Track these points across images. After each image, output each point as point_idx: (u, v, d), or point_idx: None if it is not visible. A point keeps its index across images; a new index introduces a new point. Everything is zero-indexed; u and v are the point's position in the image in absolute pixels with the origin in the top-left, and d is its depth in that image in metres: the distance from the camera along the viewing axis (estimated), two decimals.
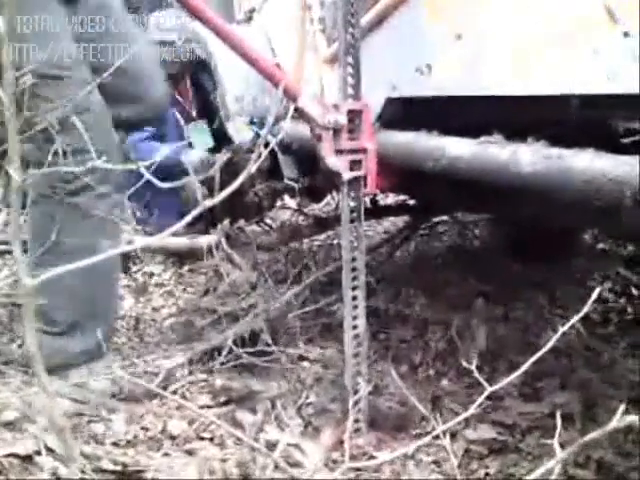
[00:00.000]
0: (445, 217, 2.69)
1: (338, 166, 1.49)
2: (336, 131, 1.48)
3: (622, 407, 0.77)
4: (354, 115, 1.49)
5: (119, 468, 1.27)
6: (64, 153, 1.42)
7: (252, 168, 0.81)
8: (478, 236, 2.60)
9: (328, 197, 2.45)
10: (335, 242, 2.62)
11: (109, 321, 1.68)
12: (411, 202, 2.38)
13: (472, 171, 1.26)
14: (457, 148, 1.28)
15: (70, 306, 1.58)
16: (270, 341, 1.73)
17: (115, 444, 1.42)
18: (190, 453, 1.43)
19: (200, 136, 2.78)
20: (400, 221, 2.82)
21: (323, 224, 2.27)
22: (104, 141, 1.54)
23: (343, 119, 1.47)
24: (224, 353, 1.70)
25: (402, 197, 2.54)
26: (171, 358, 1.72)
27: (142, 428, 1.51)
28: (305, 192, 2.28)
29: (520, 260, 2.40)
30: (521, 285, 2.23)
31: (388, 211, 2.45)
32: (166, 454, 1.43)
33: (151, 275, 2.60)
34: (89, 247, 1.51)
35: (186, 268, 2.55)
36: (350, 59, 1.48)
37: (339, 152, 1.49)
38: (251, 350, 1.73)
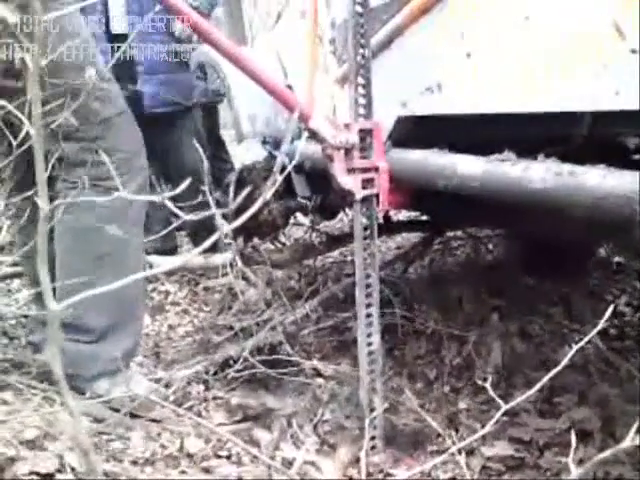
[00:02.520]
0: (458, 232, 2.70)
1: (351, 185, 1.50)
2: (348, 150, 1.49)
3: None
4: (365, 134, 1.50)
5: None
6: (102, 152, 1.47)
7: (267, 194, 0.82)
8: (492, 251, 2.60)
9: (341, 214, 2.46)
10: (349, 259, 2.63)
11: (138, 327, 1.71)
12: (424, 218, 2.38)
13: (484, 188, 1.27)
14: (469, 166, 1.29)
15: (103, 312, 1.60)
16: (288, 351, 1.74)
17: (134, 462, 1.43)
18: (207, 471, 1.43)
19: None
20: (413, 237, 2.83)
21: (336, 241, 2.28)
22: (137, 141, 1.65)
23: (355, 138, 1.49)
24: (240, 363, 1.71)
25: (415, 213, 2.55)
26: (188, 369, 1.74)
27: (160, 446, 1.52)
28: (318, 210, 2.30)
29: (535, 274, 2.39)
30: (537, 300, 2.23)
31: (401, 227, 2.46)
32: (183, 472, 1.44)
33: (167, 294, 2.63)
34: (118, 252, 1.56)
35: (201, 286, 2.57)
36: (361, 79, 1.50)
37: (351, 171, 1.50)
38: (267, 360, 1.74)
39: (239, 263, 2.13)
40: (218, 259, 2.24)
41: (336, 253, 2.74)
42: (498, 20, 1.27)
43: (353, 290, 1.57)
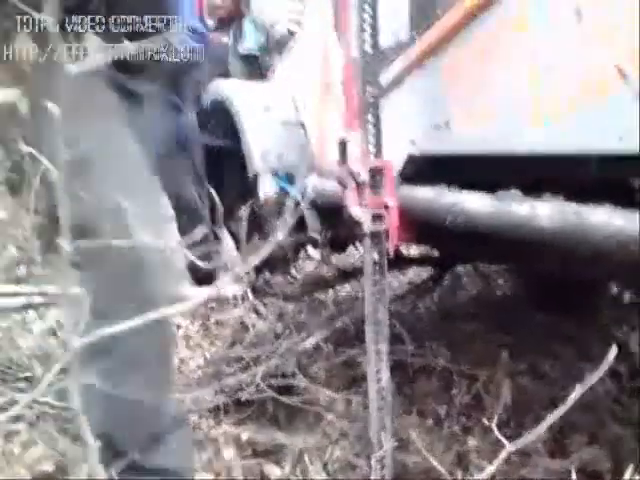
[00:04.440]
0: (468, 267, 2.70)
1: (361, 216, 1.53)
2: (359, 187, 1.52)
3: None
4: (376, 172, 1.53)
5: None
6: None
7: (281, 234, 0.84)
8: (502, 286, 2.60)
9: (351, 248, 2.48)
10: (360, 293, 2.64)
11: None
12: (434, 253, 2.40)
13: (491, 226, 1.28)
14: (476, 203, 1.30)
15: None
16: (300, 379, 1.75)
17: None
18: None
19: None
20: (424, 271, 2.83)
21: (347, 274, 2.30)
22: None
23: (365, 176, 1.52)
24: (251, 388, 1.71)
25: (425, 248, 2.56)
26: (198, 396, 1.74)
27: None
28: (328, 243, 2.32)
29: (545, 311, 2.38)
30: (547, 337, 2.21)
31: (411, 262, 2.47)
32: None
33: (178, 327, 2.64)
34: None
35: (212, 320, 2.58)
36: (370, 117, 1.53)
37: (362, 206, 1.53)
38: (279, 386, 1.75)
39: (250, 296, 2.14)
40: (230, 291, 2.25)
41: (347, 287, 2.74)
42: (503, 63, 1.30)
43: (363, 325, 1.58)
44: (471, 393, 1.97)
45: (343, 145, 1.58)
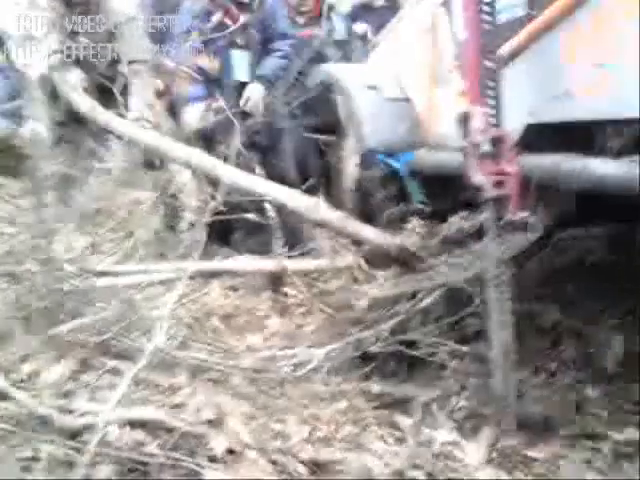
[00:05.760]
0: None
1: (483, 183, 1.65)
2: (482, 157, 1.64)
3: None
4: (496, 142, 1.64)
5: None
6: None
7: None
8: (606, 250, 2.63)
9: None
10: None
11: None
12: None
13: (617, 188, 1.38)
14: (602, 167, 1.40)
15: None
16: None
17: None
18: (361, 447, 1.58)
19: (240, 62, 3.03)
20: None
21: (453, 243, 2.40)
22: None
23: (487, 146, 1.63)
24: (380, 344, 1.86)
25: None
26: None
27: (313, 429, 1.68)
28: (432, 214, 2.43)
29: None
30: None
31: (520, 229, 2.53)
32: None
33: (285, 295, 2.80)
34: None
35: (320, 287, 2.72)
36: (490, 91, 1.64)
37: (485, 174, 1.65)
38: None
39: (363, 263, 2.29)
40: (340, 261, 2.41)
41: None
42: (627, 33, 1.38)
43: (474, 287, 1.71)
44: (580, 349, 2.07)
45: (465, 118, 1.69)
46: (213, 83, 3.11)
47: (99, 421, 1.23)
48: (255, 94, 3.04)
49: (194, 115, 3.11)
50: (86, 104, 2.92)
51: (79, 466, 1.14)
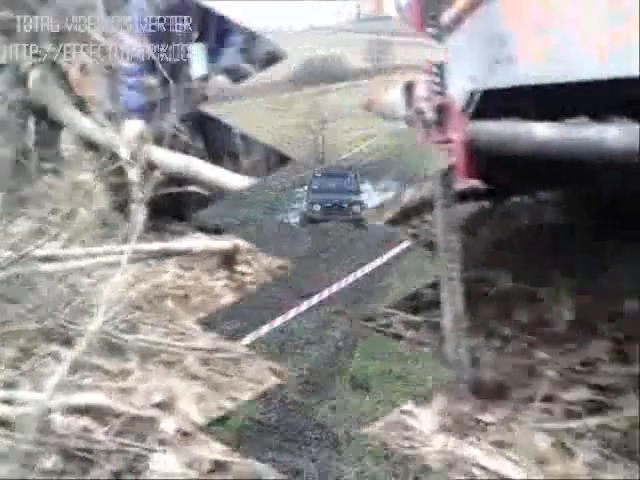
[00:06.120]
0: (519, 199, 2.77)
1: None
2: (427, 125, 1.63)
3: None
4: (441, 109, 1.63)
5: None
6: None
7: None
8: (555, 216, 2.67)
9: None
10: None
11: None
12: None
13: (562, 151, 1.38)
14: (547, 131, 1.40)
15: None
16: None
17: None
18: None
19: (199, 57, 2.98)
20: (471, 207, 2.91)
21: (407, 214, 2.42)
22: None
23: (431, 114, 1.62)
24: None
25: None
26: None
27: None
28: None
29: (605, 238, 2.42)
30: (602, 259, 2.29)
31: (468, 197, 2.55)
32: None
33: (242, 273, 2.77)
34: None
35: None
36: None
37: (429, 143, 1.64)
38: None
39: None
40: None
41: None
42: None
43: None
44: (532, 313, 2.10)
45: (409, 86, 1.68)
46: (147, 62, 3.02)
47: (35, 410, 1.19)
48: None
49: (134, 129, 2.98)
50: None
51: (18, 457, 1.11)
